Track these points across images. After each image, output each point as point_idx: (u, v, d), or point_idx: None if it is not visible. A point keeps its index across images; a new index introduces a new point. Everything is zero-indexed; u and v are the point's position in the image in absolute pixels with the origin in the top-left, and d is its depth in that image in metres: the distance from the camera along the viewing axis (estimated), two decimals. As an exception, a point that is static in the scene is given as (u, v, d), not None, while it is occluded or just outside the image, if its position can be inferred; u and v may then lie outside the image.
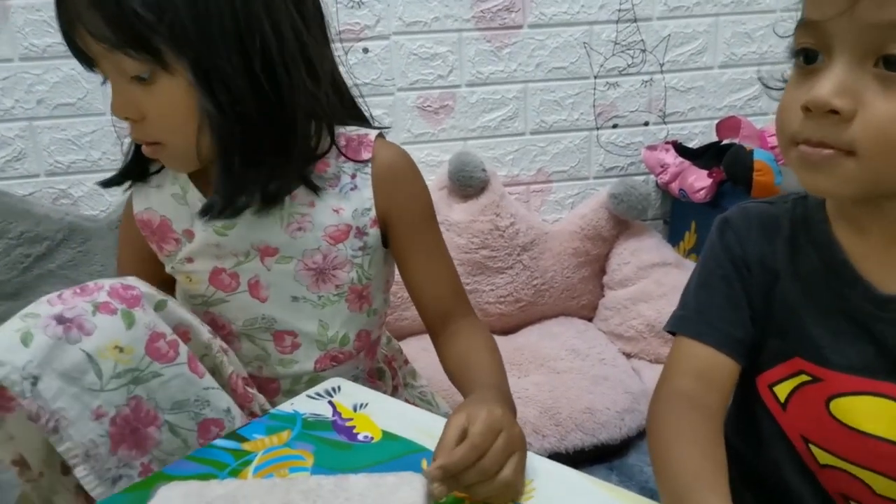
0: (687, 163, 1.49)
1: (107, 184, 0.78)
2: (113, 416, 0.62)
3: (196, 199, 0.76)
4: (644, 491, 1.04)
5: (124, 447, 0.63)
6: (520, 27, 1.54)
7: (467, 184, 1.41)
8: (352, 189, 0.77)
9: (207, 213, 0.70)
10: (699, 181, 1.40)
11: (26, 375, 0.57)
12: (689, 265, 1.44)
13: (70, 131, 1.42)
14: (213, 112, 0.65)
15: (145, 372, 0.64)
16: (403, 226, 0.80)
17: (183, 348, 0.67)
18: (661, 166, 1.53)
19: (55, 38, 1.35)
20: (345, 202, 0.77)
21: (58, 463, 0.65)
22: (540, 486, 0.59)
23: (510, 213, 1.44)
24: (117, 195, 1.45)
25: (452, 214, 1.43)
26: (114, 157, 1.43)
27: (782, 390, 0.61)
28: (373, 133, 0.79)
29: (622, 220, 1.49)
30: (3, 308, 1.26)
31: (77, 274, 1.29)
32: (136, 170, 0.77)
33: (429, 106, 1.55)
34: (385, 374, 0.91)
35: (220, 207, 0.69)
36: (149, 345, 0.64)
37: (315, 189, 0.75)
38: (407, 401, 0.92)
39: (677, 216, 1.64)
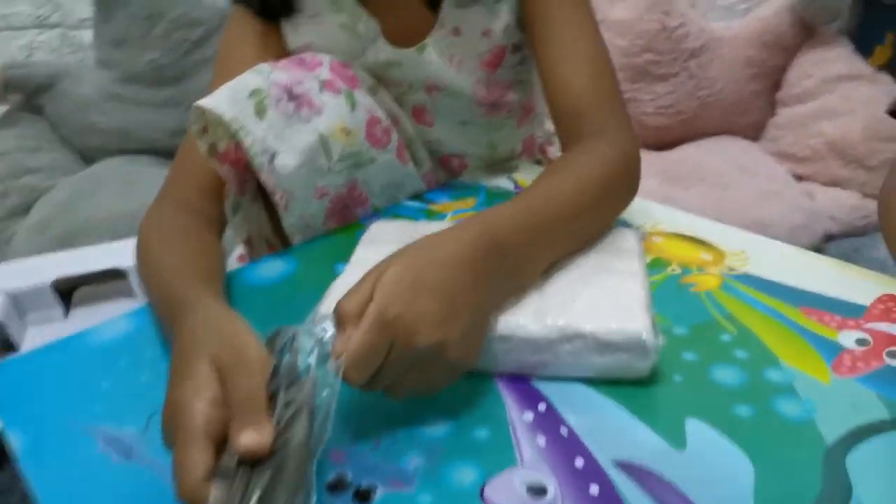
0: (900, -43, 1.26)
1: (262, 11, 0.66)
2: (332, 195, 0.62)
3: (369, 28, 0.67)
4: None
5: (333, 221, 0.64)
6: None
7: (635, -24, 1.26)
8: (496, 1, 0.66)
9: None
10: (919, -24, 1.18)
11: (266, 149, 0.57)
12: (886, 80, 1.26)
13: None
14: None
15: (364, 157, 0.63)
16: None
17: (394, 135, 0.65)
18: (865, -37, 1.30)
19: None
20: (492, 20, 0.66)
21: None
22: (753, 255, 0.55)
23: (681, 12, 1.29)
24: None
25: (614, 12, 1.30)
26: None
27: None
28: None
29: (807, 28, 1.31)
30: (168, 93, 1.29)
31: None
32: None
33: None
34: (543, 165, 0.87)
35: None
36: (368, 129, 0.63)
37: None
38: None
39: (867, 27, 1.42)
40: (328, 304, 0.42)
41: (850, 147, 1.18)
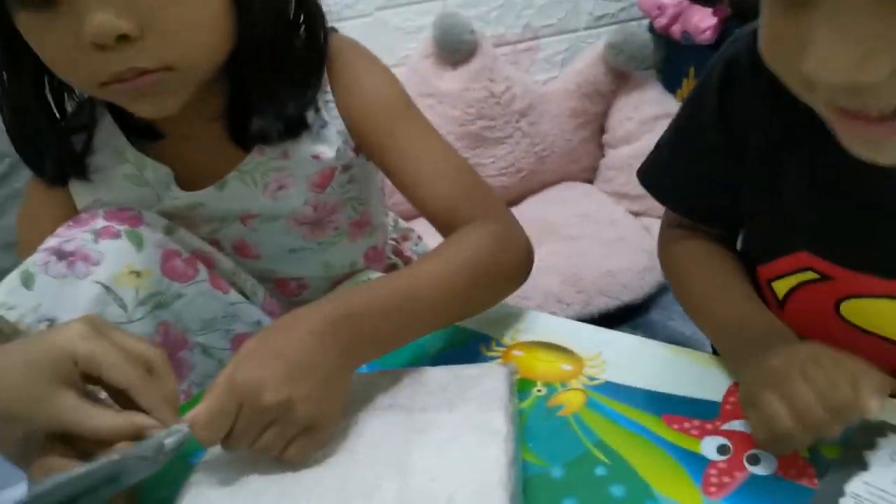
0: (686, 1, 1.39)
1: (51, 179, 0.62)
2: None
3: (159, 174, 0.62)
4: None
5: None
6: None
7: (456, 48, 1.29)
8: (322, 127, 0.63)
9: (264, 138, 0.59)
10: (705, 20, 1.30)
11: (41, 317, 0.51)
12: (694, 114, 1.38)
13: None
14: (255, 10, 0.54)
15: (167, 294, 0.58)
16: (376, 124, 0.63)
17: (201, 266, 0.61)
18: (658, 8, 1.42)
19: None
20: (322, 145, 0.63)
21: None
22: (609, 357, 0.56)
23: (504, 76, 1.34)
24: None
25: (443, 84, 1.32)
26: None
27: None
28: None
29: (620, 73, 1.40)
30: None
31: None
32: (73, 161, 0.61)
33: (401, -37, 1.40)
34: (399, 267, 0.85)
35: (277, 127, 0.58)
36: (164, 265, 0.58)
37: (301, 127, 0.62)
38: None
39: (672, 64, 1.55)
40: None
41: (676, 182, 1.27)
